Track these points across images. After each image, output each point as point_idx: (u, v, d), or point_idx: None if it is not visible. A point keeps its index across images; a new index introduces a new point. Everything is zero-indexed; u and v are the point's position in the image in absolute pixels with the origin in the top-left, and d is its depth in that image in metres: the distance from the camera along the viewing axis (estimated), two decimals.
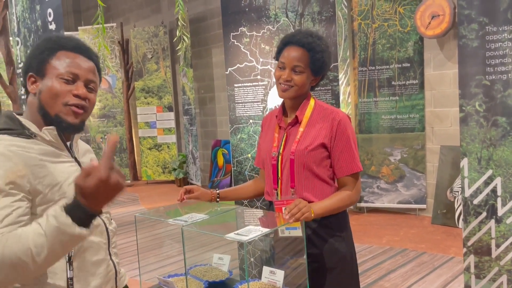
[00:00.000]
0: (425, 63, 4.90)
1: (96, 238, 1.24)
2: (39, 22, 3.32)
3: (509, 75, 1.87)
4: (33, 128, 1.19)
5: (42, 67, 1.21)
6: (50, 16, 3.20)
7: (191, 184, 7.59)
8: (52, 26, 3.16)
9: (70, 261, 1.17)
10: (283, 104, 1.81)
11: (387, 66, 5.09)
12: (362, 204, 5.32)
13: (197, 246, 1.69)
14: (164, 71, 7.86)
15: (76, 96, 1.20)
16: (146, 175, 8.14)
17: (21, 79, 1.35)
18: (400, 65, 5.03)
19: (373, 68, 5.17)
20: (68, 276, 1.17)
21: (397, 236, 4.43)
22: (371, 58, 5.17)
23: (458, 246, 3.96)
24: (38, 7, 3.31)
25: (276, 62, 1.77)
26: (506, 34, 1.84)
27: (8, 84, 5.81)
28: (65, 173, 1.20)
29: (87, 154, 1.38)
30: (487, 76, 1.89)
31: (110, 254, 1.30)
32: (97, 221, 1.25)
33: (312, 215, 1.59)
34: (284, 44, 1.72)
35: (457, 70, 2.04)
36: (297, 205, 1.54)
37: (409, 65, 4.98)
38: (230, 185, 6.91)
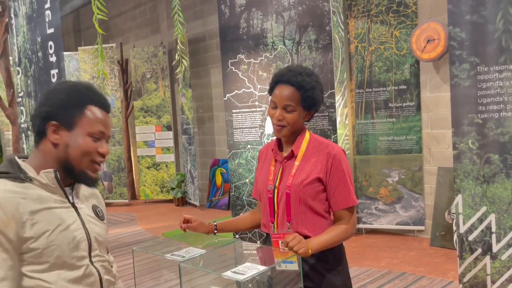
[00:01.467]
0: (421, 86, 4.95)
1: None
2: (40, 54, 3.37)
3: (501, 113, 1.91)
4: (31, 172, 1.18)
5: (72, 120, 1.21)
6: (51, 48, 3.26)
7: (190, 203, 7.60)
8: (53, 59, 3.21)
9: None
10: (278, 138, 1.84)
11: (384, 88, 5.14)
12: (361, 225, 5.32)
13: (194, 271, 1.69)
14: (163, 91, 7.91)
15: (101, 154, 1.24)
16: (144, 194, 8.13)
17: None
18: (396, 87, 5.08)
19: (370, 90, 5.22)
20: None
21: (395, 258, 4.43)
22: (368, 80, 5.23)
23: (457, 270, 3.95)
24: (39, 39, 3.37)
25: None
26: (497, 74, 1.88)
27: (7, 106, 5.85)
28: (56, 220, 1.18)
29: (90, 199, 1.35)
30: (479, 115, 1.92)
31: None
32: (89, 270, 1.22)
33: (310, 251, 1.61)
34: (275, 82, 1.74)
35: None
36: (288, 243, 1.56)
37: (405, 87, 5.03)
38: (228, 205, 6.90)
